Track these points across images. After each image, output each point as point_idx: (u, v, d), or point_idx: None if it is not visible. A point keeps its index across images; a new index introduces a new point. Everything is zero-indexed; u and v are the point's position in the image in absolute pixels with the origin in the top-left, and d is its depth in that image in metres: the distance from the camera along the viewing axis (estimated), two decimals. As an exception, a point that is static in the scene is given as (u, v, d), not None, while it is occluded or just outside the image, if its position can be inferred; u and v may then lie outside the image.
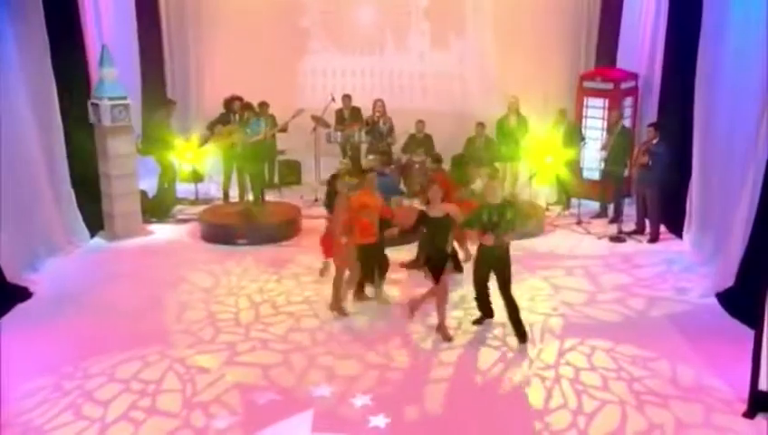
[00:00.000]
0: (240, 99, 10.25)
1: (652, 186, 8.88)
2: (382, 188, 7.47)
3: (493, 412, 5.43)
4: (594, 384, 5.75)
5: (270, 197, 10.53)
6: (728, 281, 7.15)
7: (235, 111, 10.24)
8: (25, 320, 6.92)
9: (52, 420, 5.32)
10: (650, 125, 9.15)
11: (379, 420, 5.31)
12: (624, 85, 10.32)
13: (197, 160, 10.67)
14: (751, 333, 5.42)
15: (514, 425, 5.28)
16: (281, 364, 6.11)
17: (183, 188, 10.72)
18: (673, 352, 6.19)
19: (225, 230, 9.10)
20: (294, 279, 7.76)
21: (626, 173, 9.64)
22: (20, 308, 7.17)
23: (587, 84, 10.45)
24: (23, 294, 7.40)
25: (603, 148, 9.67)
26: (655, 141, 8.82)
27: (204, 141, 10.41)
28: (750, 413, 5.27)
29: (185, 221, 9.86)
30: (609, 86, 10.22)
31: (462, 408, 5.50)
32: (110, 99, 8.84)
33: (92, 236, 9.21)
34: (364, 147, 10.70)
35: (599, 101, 10.31)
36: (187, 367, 6.06)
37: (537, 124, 10.38)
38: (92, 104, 8.97)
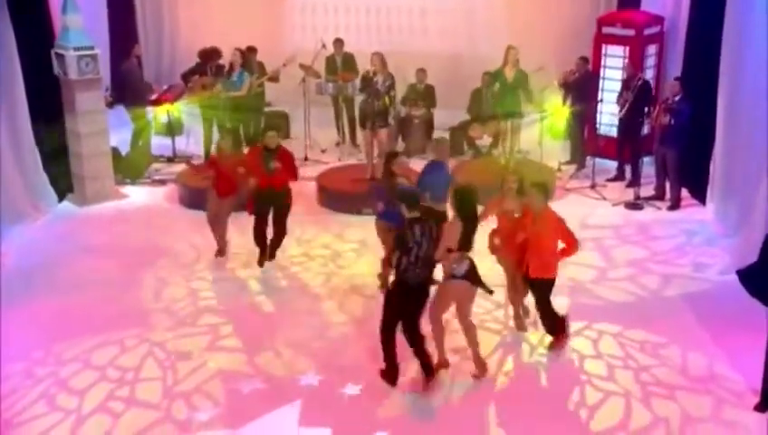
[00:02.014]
0: (219, 52, 10.16)
1: (673, 146, 8.95)
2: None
3: (489, 403, 5.68)
4: (599, 374, 6.00)
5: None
6: (752, 256, 7.30)
7: (213, 63, 10.17)
8: (-9, 298, 7.12)
9: (23, 412, 5.56)
10: (676, 79, 9.15)
11: (372, 412, 5.56)
12: (648, 31, 10.25)
13: (174, 112, 10.72)
14: (769, 315, 5.57)
15: (512, 417, 5.54)
16: (266, 350, 6.35)
17: (158, 143, 10.79)
18: (685, 338, 6.43)
19: (204, 194, 9.18)
20: (281, 252, 7.93)
21: (645, 131, 9.71)
22: (-15, 284, 7.37)
23: (606, 30, 10.38)
24: (-14, 267, 7.61)
25: (619, 103, 9.68)
26: (677, 98, 8.84)
27: (179, 94, 10.43)
28: (762, 407, 5.51)
29: (162, 183, 9.98)
30: (631, 32, 10.15)
31: (458, 396, 5.75)
32: (76, 49, 8.84)
33: (60, 199, 9.36)
34: (359, 100, 10.69)
35: (618, 50, 10.26)
36: (168, 352, 6.31)
37: (552, 73, 10.36)
38: (57, 54, 8.97)
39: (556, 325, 6.23)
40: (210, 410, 5.62)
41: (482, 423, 5.49)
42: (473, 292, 5.85)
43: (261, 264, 7.62)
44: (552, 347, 6.24)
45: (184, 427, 5.46)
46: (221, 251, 7.85)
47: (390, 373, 5.82)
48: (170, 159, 10.72)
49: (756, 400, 5.56)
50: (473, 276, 5.74)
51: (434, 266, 5.72)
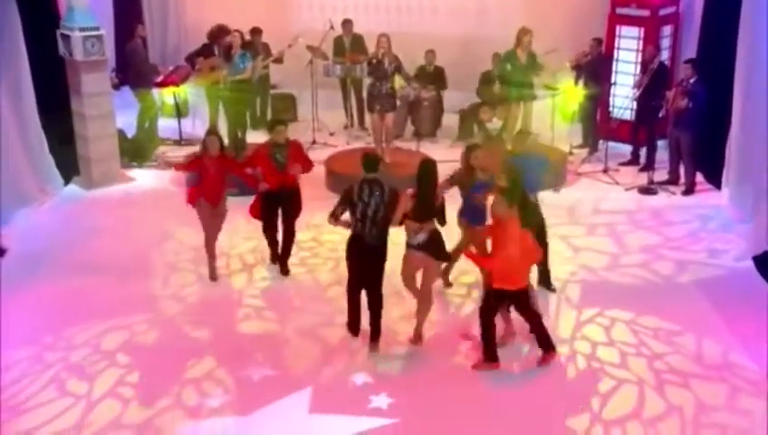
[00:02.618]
0: (227, 31, 10.08)
1: (688, 130, 8.90)
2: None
3: (501, 392, 5.70)
4: (612, 361, 6.00)
5: (262, 136, 10.56)
6: (766, 242, 7.30)
7: (222, 43, 10.09)
8: None
9: (33, 397, 5.61)
10: (687, 62, 9.08)
11: (381, 400, 5.59)
12: (663, 11, 10.17)
13: (180, 93, 10.70)
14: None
15: (524, 406, 5.56)
16: (276, 336, 6.37)
17: (165, 126, 10.78)
18: (699, 325, 6.42)
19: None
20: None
21: (661, 114, 9.64)
22: (-7, 268, 7.41)
23: (620, 11, 10.28)
24: (-6, 251, 7.65)
25: (636, 86, 9.60)
26: (692, 80, 8.77)
27: (185, 75, 10.40)
28: (777, 395, 5.52)
29: (169, 165, 9.97)
30: (646, 13, 10.06)
31: (470, 386, 5.77)
32: (82, 30, 8.81)
33: (67, 182, 9.38)
34: (367, 82, 10.63)
35: (633, 31, 10.18)
36: (176, 339, 6.33)
37: (564, 54, 10.27)
38: (62, 35, 8.95)
39: (542, 339, 5.92)
40: (220, 396, 5.65)
41: (495, 410, 5.51)
42: (430, 262, 6.03)
43: (275, 261, 7.42)
44: (540, 363, 5.92)
45: (194, 413, 5.50)
46: (214, 275, 7.23)
47: (352, 326, 6.28)
48: (177, 142, 10.73)
49: (772, 388, 5.57)
50: (430, 247, 5.92)
51: (386, 230, 5.97)
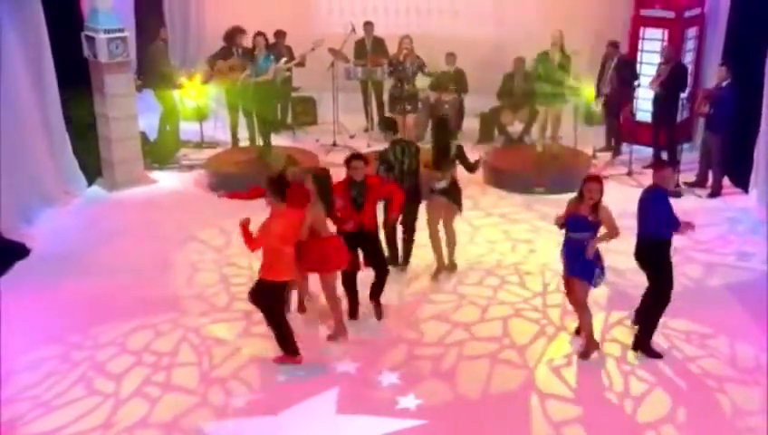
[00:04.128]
0: (243, 31, 10.07)
1: (718, 132, 8.81)
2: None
3: (530, 393, 5.62)
4: (643, 364, 5.90)
5: (283, 139, 10.58)
6: (797, 245, 7.21)
7: (239, 44, 10.08)
8: (25, 281, 7.19)
9: (61, 395, 5.60)
10: (723, 63, 8.97)
11: (409, 401, 5.53)
12: (688, 13, 10.08)
13: (201, 96, 10.70)
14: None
15: (555, 408, 5.47)
16: (301, 336, 6.31)
17: (186, 129, 10.79)
18: (732, 328, 6.32)
19: (233, 180, 9.20)
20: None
21: (683, 116, 9.54)
22: (19, 267, 7.43)
23: (644, 12, 10.20)
24: (20, 251, 7.66)
25: (653, 85, 9.50)
26: (725, 83, 8.67)
27: (206, 78, 10.39)
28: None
29: (190, 168, 9.98)
30: (671, 14, 9.97)
31: (498, 387, 5.69)
32: (107, 31, 8.83)
33: (90, 184, 9.40)
34: (389, 85, 10.60)
35: (657, 33, 10.09)
36: (202, 338, 6.31)
37: (586, 59, 10.22)
38: (87, 37, 8.97)
39: (282, 341, 5.85)
40: (246, 396, 5.61)
41: (524, 412, 5.43)
42: (449, 205, 7.06)
43: (354, 315, 6.53)
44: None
45: (221, 412, 5.46)
46: (303, 306, 6.67)
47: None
48: (198, 145, 10.73)
49: (807, 392, 5.46)
50: (450, 194, 6.99)
51: (418, 178, 7.11)
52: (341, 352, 6.11)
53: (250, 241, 5.75)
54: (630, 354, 6.03)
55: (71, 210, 8.76)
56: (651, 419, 5.33)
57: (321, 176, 6.01)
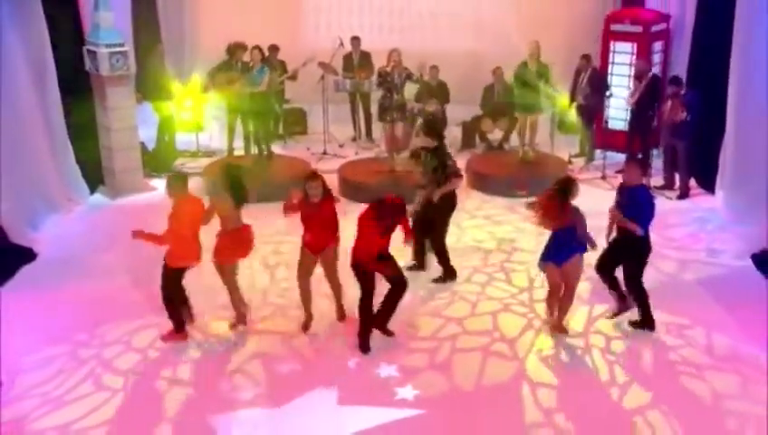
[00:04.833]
0: (244, 47, 9.99)
1: (684, 138, 8.88)
2: None
3: (521, 383, 5.58)
4: (626, 354, 5.89)
5: (275, 148, 10.47)
6: (764, 242, 7.26)
7: (239, 58, 10.00)
8: (32, 284, 7.04)
9: (71, 391, 5.47)
10: (671, 81, 9.05)
11: (407, 392, 5.46)
12: (655, 28, 10.17)
13: (197, 108, 10.58)
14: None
15: (545, 396, 5.44)
16: (301, 333, 6.23)
17: (183, 139, 10.65)
18: (706, 319, 6.33)
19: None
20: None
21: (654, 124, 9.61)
22: (25, 271, 7.26)
23: (614, 27, 10.28)
24: (27, 255, 7.49)
25: (630, 97, 9.58)
26: (683, 93, 8.76)
27: (205, 89, 10.28)
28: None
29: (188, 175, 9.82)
30: (638, 29, 10.06)
31: (490, 377, 5.65)
32: (108, 46, 8.70)
33: (92, 192, 9.23)
34: (375, 96, 10.55)
35: (626, 46, 10.17)
36: (205, 335, 6.19)
37: (560, 71, 10.25)
38: (88, 51, 8.83)
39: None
40: (251, 389, 5.51)
41: (516, 401, 5.39)
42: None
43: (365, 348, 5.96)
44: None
45: (226, 405, 5.34)
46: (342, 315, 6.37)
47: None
48: (194, 154, 10.60)
49: (780, 377, 5.48)
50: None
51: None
52: (342, 348, 6.02)
53: (157, 239, 5.93)
54: (614, 344, 6.02)
55: (74, 216, 8.61)
56: (637, 405, 5.31)
57: (231, 169, 6.29)
